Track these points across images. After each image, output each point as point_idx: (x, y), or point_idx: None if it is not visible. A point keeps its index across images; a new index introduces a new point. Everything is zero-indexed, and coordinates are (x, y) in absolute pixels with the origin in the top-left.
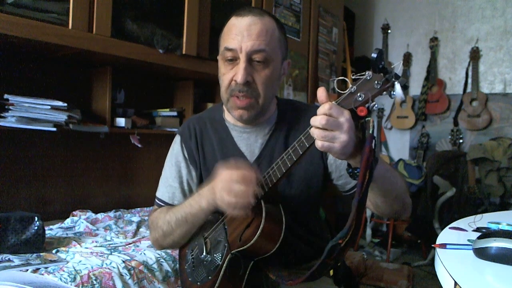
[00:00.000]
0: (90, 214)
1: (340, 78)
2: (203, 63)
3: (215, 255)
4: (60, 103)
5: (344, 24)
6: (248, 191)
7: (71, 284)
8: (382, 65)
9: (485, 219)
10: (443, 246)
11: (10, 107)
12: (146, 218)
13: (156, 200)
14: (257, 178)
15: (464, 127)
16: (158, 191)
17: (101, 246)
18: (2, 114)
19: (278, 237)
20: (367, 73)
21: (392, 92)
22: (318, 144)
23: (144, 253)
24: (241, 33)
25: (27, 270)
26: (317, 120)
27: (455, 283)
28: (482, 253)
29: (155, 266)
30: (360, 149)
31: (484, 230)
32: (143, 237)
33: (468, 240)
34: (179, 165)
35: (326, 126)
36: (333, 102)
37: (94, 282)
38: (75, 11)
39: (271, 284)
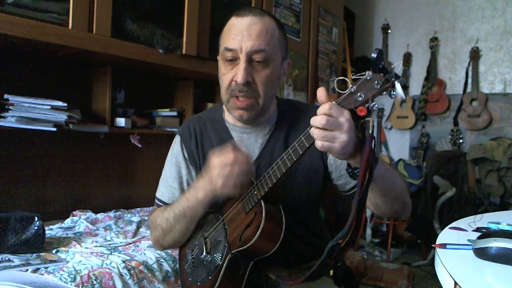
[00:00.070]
0: (90, 214)
1: (340, 78)
2: (203, 63)
3: (215, 255)
4: (60, 103)
5: (344, 24)
6: (242, 169)
7: (71, 284)
8: (382, 65)
9: (485, 219)
10: (443, 246)
11: (10, 107)
12: (146, 218)
13: (156, 200)
14: (246, 156)
15: (464, 127)
16: (158, 191)
17: (101, 246)
18: (2, 114)
19: (278, 237)
20: (367, 73)
21: (392, 92)
22: (318, 144)
23: (144, 253)
24: (241, 33)
25: (27, 270)
26: (317, 120)
27: (455, 283)
28: (482, 253)
29: (155, 266)
30: (360, 149)
31: (484, 230)
32: (143, 237)
33: (468, 240)
34: (179, 165)
35: (326, 126)
36: (333, 102)
37: (94, 282)
38: (75, 11)
39: (271, 284)
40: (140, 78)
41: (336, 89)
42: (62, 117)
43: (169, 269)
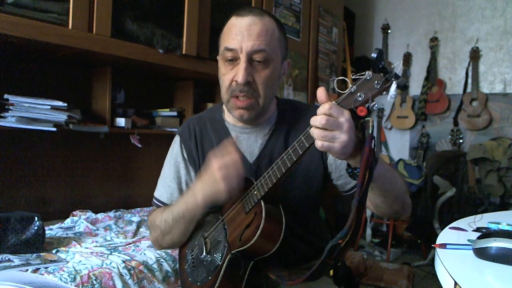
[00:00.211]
0: (90, 214)
1: (340, 78)
2: (203, 63)
3: (215, 255)
4: (60, 103)
5: (344, 24)
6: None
7: (71, 284)
8: (382, 65)
9: (485, 219)
10: (443, 246)
11: (10, 107)
12: (146, 218)
13: (154, 200)
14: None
15: (464, 127)
16: (157, 191)
17: (101, 246)
18: (2, 114)
19: (278, 237)
20: (367, 73)
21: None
22: (318, 144)
23: (144, 253)
24: (241, 33)
25: (27, 270)
26: (317, 120)
27: (455, 283)
28: (482, 253)
29: (155, 266)
30: (360, 149)
31: (484, 230)
32: (143, 237)
33: (468, 240)
34: (178, 165)
35: (326, 126)
36: (333, 102)
37: (94, 282)
38: (75, 11)
39: (271, 284)
40: (140, 78)
41: (336, 89)
42: (62, 117)
43: (169, 269)
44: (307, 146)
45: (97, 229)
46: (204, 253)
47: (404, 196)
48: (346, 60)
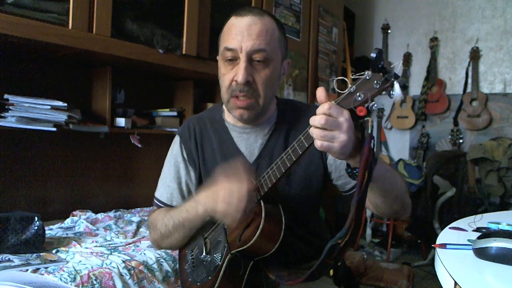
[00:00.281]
0: (90, 214)
1: (340, 78)
2: (203, 63)
3: (214, 255)
4: (60, 103)
5: (344, 24)
6: (245, 206)
7: (71, 284)
8: (382, 64)
9: (485, 219)
10: (443, 246)
11: (10, 107)
12: (146, 218)
13: (155, 201)
14: (253, 187)
15: (464, 127)
16: (157, 191)
17: (101, 246)
18: (2, 114)
19: (278, 237)
20: (366, 73)
21: (391, 92)
22: (317, 143)
23: (144, 253)
24: (241, 33)
25: (27, 270)
26: (316, 120)
27: (455, 283)
28: (482, 253)
29: (155, 266)
30: (359, 149)
31: (484, 230)
32: (143, 237)
33: (468, 240)
34: (178, 165)
35: (325, 125)
36: (332, 102)
37: (94, 282)
38: (75, 11)
39: (271, 284)
40: (140, 78)
41: (336, 89)
42: (62, 117)
43: (169, 269)
44: (307, 146)
45: (97, 229)
46: (204, 253)
47: (404, 196)
48: (346, 60)
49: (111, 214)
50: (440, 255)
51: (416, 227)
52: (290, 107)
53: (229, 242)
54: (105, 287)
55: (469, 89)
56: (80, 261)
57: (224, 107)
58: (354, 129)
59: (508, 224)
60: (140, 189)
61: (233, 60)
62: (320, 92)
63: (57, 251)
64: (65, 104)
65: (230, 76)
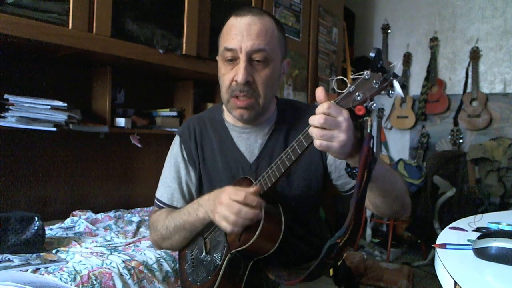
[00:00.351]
0: (90, 214)
1: (339, 77)
2: (203, 63)
3: (214, 255)
4: (60, 103)
5: (344, 24)
6: (250, 212)
7: (71, 284)
8: (381, 64)
9: (485, 219)
10: (443, 246)
11: (10, 107)
12: (146, 218)
13: (155, 201)
14: (261, 202)
15: (464, 127)
16: (158, 191)
17: (101, 246)
18: (2, 114)
19: (278, 237)
20: (365, 72)
21: (390, 92)
22: (317, 143)
23: (144, 253)
24: (240, 33)
25: (27, 270)
26: (315, 119)
27: (455, 283)
28: (482, 253)
29: (155, 266)
30: (358, 148)
31: (484, 230)
32: (143, 237)
33: (468, 240)
34: (178, 166)
35: (325, 125)
36: (331, 101)
37: (94, 282)
38: (75, 11)
39: (270, 284)
40: (140, 78)
41: (336, 89)
42: (62, 117)
43: (169, 269)
44: (306, 145)
45: (97, 229)
46: (203, 253)
47: (404, 196)
48: (346, 60)
49: (111, 214)
50: (440, 255)
51: (416, 227)
52: (290, 107)
53: (229, 242)
54: (105, 287)
55: (469, 89)
56: (80, 261)
57: (224, 107)
58: (353, 128)
59: (508, 224)
60: (140, 189)
61: (233, 60)
62: (320, 92)
63: (57, 251)
64: (65, 104)
65: (230, 76)
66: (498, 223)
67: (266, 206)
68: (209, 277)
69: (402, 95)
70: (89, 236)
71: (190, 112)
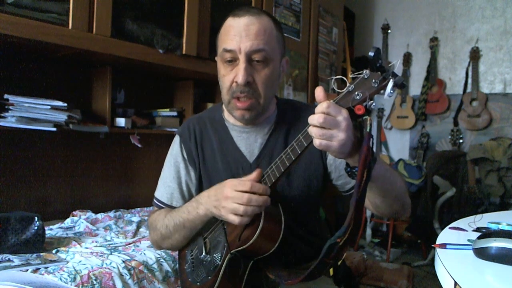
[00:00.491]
0: (90, 214)
1: (338, 77)
2: (203, 63)
3: (214, 255)
4: (60, 103)
5: (344, 24)
6: (260, 199)
7: (71, 284)
8: (380, 63)
9: (485, 219)
10: (443, 246)
11: (10, 107)
12: (146, 218)
13: (155, 201)
14: (257, 178)
15: (464, 127)
16: (157, 191)
17: (101, 246)
18: (2, 114)
19: (277, 236)
20: (364, 71)
21: (388, 92)
22: (316, 142)
23: (144, 253)
24: (239, 33)
25: (27, 270)
26: (315, 119)
27: (455, 283)
28: (482, 253)
29: (155, 266)
30: (358, 148)
31: (484, 230)
32: (143, 237)
33: (468, 240)
34: (178, 165)
35: (324, 124)
36: (331, 100)
37: (94, 282)
38: (75, 11)
39: (270, 283)
40: (140, 78)
41: (336, 89)
42: (62, 117)
43: (169, 269)
44: (306, 145)
45: (97, 229)
46: (203, 253)
47: (404, 196)
48: (346, 60)
49: (111, 214)
50: (440, 255)
51: (416, 227)
52: (290, 106)
53: (229, 242)
54: (105, 287)
55: (469, 89)
56: (80, 261)
57: (224, 106)
58: (353, 128)
59: (508, 224)
60: (140, 189)
61: (233, 61)
62: (319, 91)
63: (57, 251)
64: (65, 104)
65: (230, 77)
66: (498, 223)
67: (266, 206)
68: (209, 277)
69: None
70: (89, 236)
71: (190, 112)
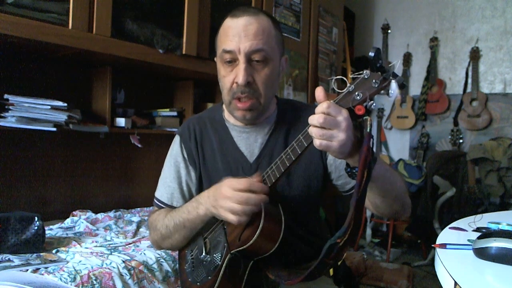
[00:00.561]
0: (90, 214)
1: (338, 77)
2: (203, 63)
3: (214, 255)
4: (60, 103)
5: (344, 24)
6: (257, 198)
7: (71, 284)
8: (380, 63)
9: (485, 219)
10: (443, 246)
11: (10, 107)
12: (146, 218)
13: (155, 201)
14: (264, 188)
15: (464, 127)
16: (157, 191)
17: (101, 246)
18: (2, 114)
19: (278, 237)
20: (364, 72)
21: (390, 91)
22: (316, 142)
23: (144, 253)
24: (238, 34)
25: (27, 270)
26: (315, 119)
27: (455, 283)
28: (482, 253)
29: (155, 266)
30: (358, 148)
31: (484, 230)
32: (143, 237)
33: (468, 240)
34: (178, 165)
35: (324, 124)
36: (331, 101)
37: (94, 282)
38: (75, 11)
39: (270, 284)
40: (140, 78)
41: (336, 89)
42: (62, 117)
43: (169, 269)
44: (306, 145)
45: (97, 229)
46: (203, 253)
47: (404, 196)
48: (346, 60)
49: (111, 214)
50: (440, 255)
51: (416, 227)
52: (290, 106)
53: (229, 242)
54: (105, 287)
55: (469, 89)
56: (80, 261)
57: (224, 106)
58: (353, 128)
59: (508, 224)
60: (140, 189)
61: (232, 61)
62: (319, 92)
63: (57, 251)
64: (65, 104)
65: (230, 78)
66: (498, 223)
67: (266, 206)
68: (209, 277)
69: (398, 95)
70: (89, 236)
71: (190, 112)
